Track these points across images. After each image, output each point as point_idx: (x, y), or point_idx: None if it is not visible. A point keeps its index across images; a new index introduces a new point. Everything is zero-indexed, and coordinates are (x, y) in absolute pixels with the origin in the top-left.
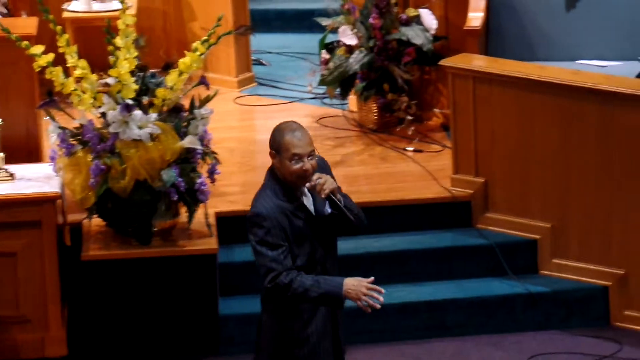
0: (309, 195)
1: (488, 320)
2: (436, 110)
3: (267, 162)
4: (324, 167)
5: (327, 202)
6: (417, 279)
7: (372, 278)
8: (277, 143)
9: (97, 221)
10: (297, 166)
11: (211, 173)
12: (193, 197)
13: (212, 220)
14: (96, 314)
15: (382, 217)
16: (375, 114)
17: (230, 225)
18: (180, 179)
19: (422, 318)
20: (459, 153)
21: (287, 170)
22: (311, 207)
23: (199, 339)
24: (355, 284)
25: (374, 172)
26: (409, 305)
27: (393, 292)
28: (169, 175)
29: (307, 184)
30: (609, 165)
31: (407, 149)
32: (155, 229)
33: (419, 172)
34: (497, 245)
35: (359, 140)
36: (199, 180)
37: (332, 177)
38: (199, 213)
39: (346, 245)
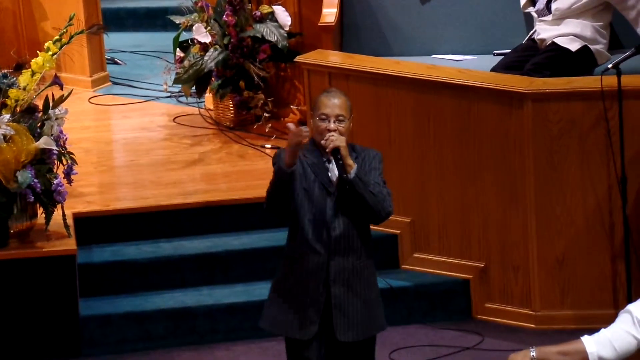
0: (335, 166)
1: None
2: (293, 107)
3: (124, 162)
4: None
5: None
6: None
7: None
8: (314, 102)
9: None
10: (323, 125)
11: (68, 174)
12: (50, 198)
13: (70, 221)
14: None
15: (241, 215)
16: (232, 112)
17: (89, 226)
18: (36, 180)
19: None
20: None
21: (315, 129)
22: (333, 175)
23: (60, 340)
24: (287, 145)
25: (232, 169)
26: None
27: (254, 289)
28: (25, 176)
29: (322, 142)
30: (465, 158)
31: (265, 146)
32: (12, 231)
33: None
34: None
35: (216, 138)
36: (55, 181)
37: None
38: (57, 214)
39: (205, 244)
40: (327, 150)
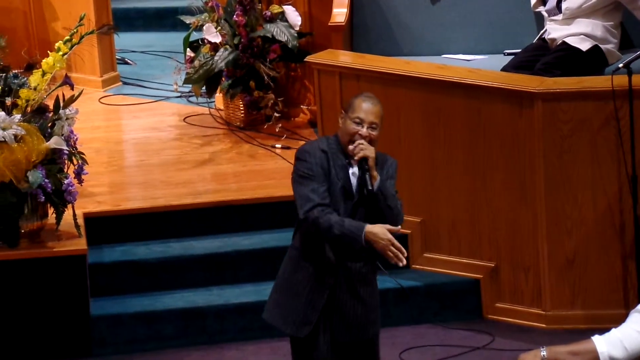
0: (357, 171)
1: None
2: (303, 107)
3: (134, 162)
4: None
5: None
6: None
7: (399, 228)
8: (349, 103)
9: None
10: (355, 128)
11: (78, 174)
12: (60, 198)
13: (80, 221)
14: None
15: (251, 215)
16: (242, 112)
17: (99, 226)
18: (46, 180)
19: None
20: None
21: (345, 129)
22: (354, 181)
23: (71, 340)
24: (379, 233)
25: (242, 169)
26: None
27: (264, 289)
28: (35, 176)
29: (350, 147)
30: (476, 158)
31: (275, 146)
32: (23, 231)
33: (287, 168)
34: None
35: (227, 138)
36: (66, 181)
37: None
38: (67, 214)
39: (215, 244)
40: (355, 158)
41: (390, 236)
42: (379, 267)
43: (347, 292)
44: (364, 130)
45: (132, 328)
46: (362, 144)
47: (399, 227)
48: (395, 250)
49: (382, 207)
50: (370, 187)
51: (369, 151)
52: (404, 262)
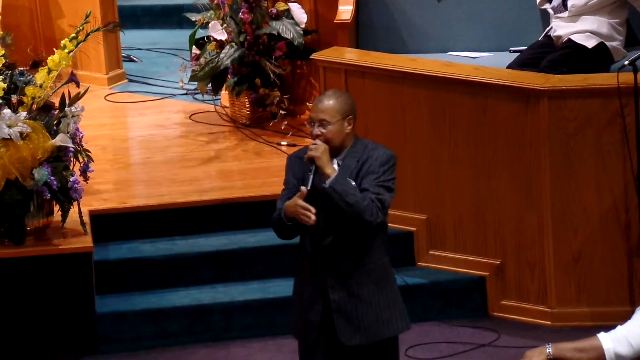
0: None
1: None
2: (309, 104)
3: (140, 159)
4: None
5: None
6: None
7: (303, 189)
8: None
9: None
10: (310, 129)
11: (84, 171)
12: (66, 195)
13: (86, 218)
14: None
15: (257, 212)
16: (248, 109)
17: (105, 223)
18: (52, 178)
19: None
20: None
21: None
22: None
23: (77, 337)
24: (290, 204)
25: (248, 167)
26: (287, 300)
27: (270, 286)
28: (41, 173)
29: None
30: (481, 155)
31: (281, 143)
32: (29, 228)
33: None
34: None
35: (233, 135)
36: (71, 179)
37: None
38: (73, 211)
39: (221, 241)
40: (305, 161)
41: (298, 201)
42: None
43: (342, 294)
44: (315, 130)
45: (138, 325)
46: (314, 144)
47: (303, 188)
48: (303, 211)
49: (338, 202)
50: (322, 185)
51: (315, 151)
52: (313, 218)
